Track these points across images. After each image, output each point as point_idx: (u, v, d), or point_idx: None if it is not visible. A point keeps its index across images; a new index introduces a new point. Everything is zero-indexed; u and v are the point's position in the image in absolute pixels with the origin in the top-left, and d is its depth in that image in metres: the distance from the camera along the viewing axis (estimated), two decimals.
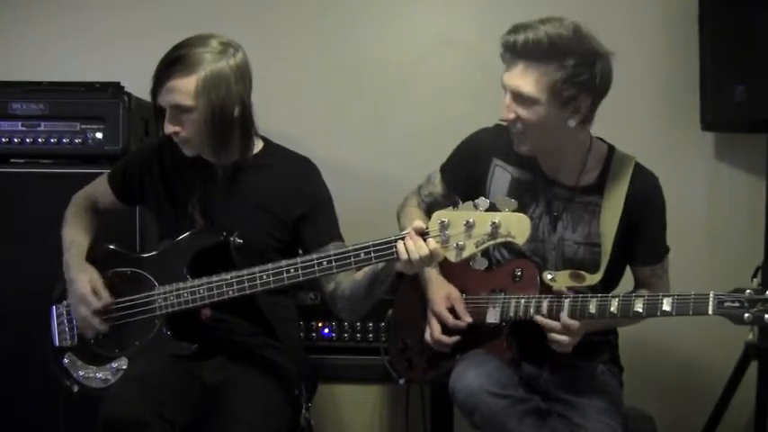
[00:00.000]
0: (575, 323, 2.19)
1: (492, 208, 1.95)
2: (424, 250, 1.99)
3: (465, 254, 1.97)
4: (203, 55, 2.22)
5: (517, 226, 1.93)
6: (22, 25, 3.39)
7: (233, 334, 2.36)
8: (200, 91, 2.21)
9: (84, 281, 2.31)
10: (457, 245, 1.97)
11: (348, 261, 2.08)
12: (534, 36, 2.17)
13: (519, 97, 2.22)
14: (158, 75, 2.23)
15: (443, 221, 1.98)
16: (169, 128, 2.25)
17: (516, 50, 2.19)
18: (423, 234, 2.00)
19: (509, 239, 1.94)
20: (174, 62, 2.21)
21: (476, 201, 1.97)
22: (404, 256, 2.01)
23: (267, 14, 3.35)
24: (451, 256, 1.98)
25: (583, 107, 2.23)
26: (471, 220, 1.95)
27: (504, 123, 2.31)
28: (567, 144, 2.32)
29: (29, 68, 3.29)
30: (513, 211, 1.94)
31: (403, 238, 2.02)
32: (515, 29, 2.22)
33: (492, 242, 1.95)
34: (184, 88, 2.21)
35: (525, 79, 2.20)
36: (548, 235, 2.38)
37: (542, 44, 2.16)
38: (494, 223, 1.93)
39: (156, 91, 2.24)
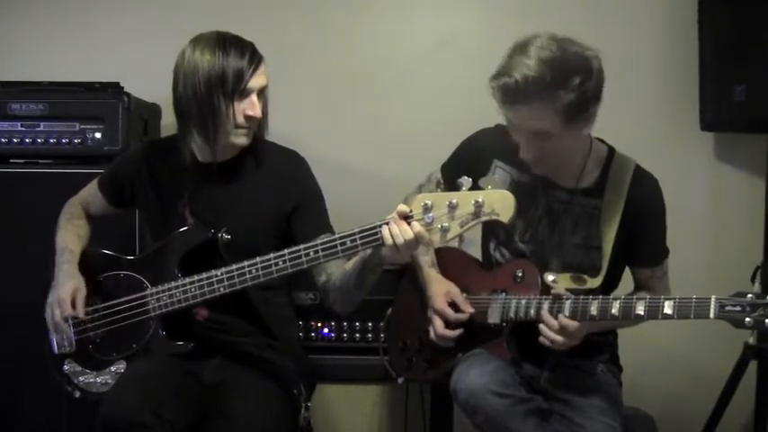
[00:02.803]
0: (573, 324, 2.19)
1: (475, 187, 1.94)
2: (409, 234, 1.98)
3: (450, 235, 1.95)
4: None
5: (501, 203, 1.91)
6: (22, 25, 3.39)
7: (231, 334, 2.37)
8: (271, 77, 2.33)
9: (69, 288, 2.32)
10: (441, 226, 1.95)
11: (335, 249, 2.08)
12: (533, 73, 2.08)
13: (537, 135, 2.18)
14: (248, 65, 2.27)
15: (426, 204, 1.96)
16: (258, 109, 2.30)
17: (519, 93, 2.10)
18: (406, 217, 1.99)
19: (493, 217, 1.91)
20: (255, 51, 2.30)
21: (459, 180, 1.95)
22: (389, 240, 2.00)
23: (267, 15, 3.34)
24: (436, 238, 1.96)
25: (594, 113, 2.20)
26: (454, 201, 1.93)
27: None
28: (575, 150, 2.31)
29: (29, 68, 3.29)
30: (497, 188, 1.92)
31: (388, 223, 2.01)
32: (506, 70, 2.12)
33: (476, 221, 1.92)
34: (265, 71, 2.32)
35: (540, 119, 2.14)
36: (547, 237, 2.38)
37: (544, 78, 2.08)
38: (477, 202, 1.91)
39: (243, 80, 2.26)
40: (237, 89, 2.26)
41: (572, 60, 2.12)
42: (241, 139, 2.33)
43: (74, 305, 2.31)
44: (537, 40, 2.14)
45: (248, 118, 2.29)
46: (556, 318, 2.20)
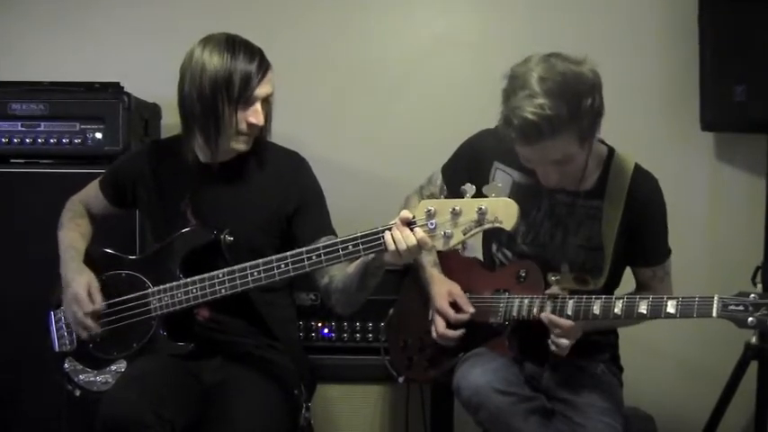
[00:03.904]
0: (568, 322, 2.20)
1: (479, 194, 1.93)
2: (411, 240, 1.97)
3: (452, 242, 1.94)
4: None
5: (504, 211, 1.90)
6: (22, 25, 3.39)
7: (232, 335, 2.37)
8: (275, 82, 2.32)
9: (82, 283, 2.32)
10: (444, 233, 1.94)
11: (337, 254, 2.07)
12: (549, 111, 2.06)
13: (558, 161, 2.19)
14: (257, 70, 2.25)
15: (430, 210, 1.96)
16: (261, 117, 2.29)
17: (541, 132, 2.08)
18: (409, 223, 1.99)
19: (496, 225, 1.91)
20: (264, 57, 2.29)
21: (462, 187, 1.94)
22: (391, 246, 1.99)
23: (267, 15, 3.34)
24: (439, 245, 1.96)
25: (601, 121, 2.21)
26: (458, 208, 1.93)
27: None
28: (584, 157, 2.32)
29: (29, 68, 3.29)
30: (500, 196, 1.92)
31: (390, 229, 2.01)
32: (517, 112, 2.08)
33: (479, 229, 1.92)
34: (272, 80, 2.31)
35: (562, 149, 2.14)
36: (550, 239, 2.38)
37: (561, 113, 2.07)
38: (480, 209, 1.91)
39: (250, 86, 2.25)
40: (243, 96, 2.25)
41: (576, 84, 2.11)
42: (240, 145, 2.32)
43: (91, 299, 2.31)
44: (533, 71, 2.11)
45: (250, 126, 2.29)
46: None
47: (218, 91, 2.23)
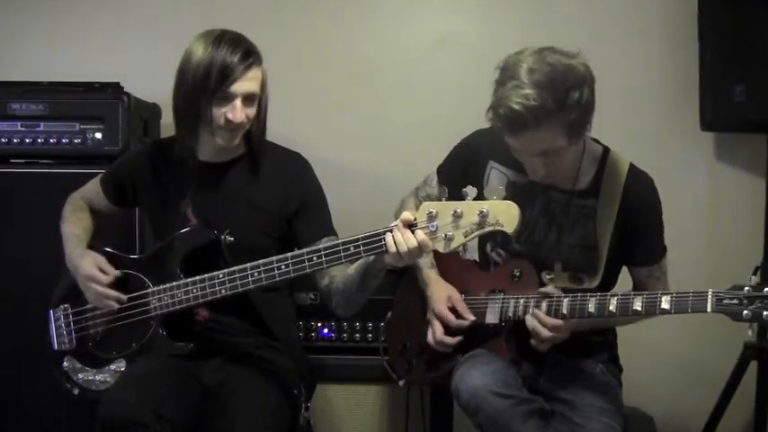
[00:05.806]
0: (558, 322, 2.20)
1: (480, 197, 1.94)
2: (412, 242, 1.97)
3: (453, 244, 1.95)
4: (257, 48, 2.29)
5: (505, 214, 1.91)
6: (21, 25, 3.39)
7: (232, 335, 2.37)
8: (265, 81, 2.30)
9: (89, 262, 2.32)
10: (445, 235, 1.95)
11: (338, 255, 2.07)
12: (533, 102, 2.06)
13: (544, 153, 2.19)
14: (237, 64, 2.21)
15: (431, 212, 1.96)
16: (241, 115, 2.24)
17: (525, 123, 2.09)
18: (411, 225, 1.99)
19: (497, 228, 1.91)
20: (250, 53, 2.25)
21: (464, 190, 1.96)
22: (392, 248, 1.99)
23: (267, 15, 3.35)
24: (440, 247, 1.96)
25: (592, 118, 2.20)
26: (459, 210, 1.93)
27: None
28: (575, 154, 2.31)
29: (29, 68, 3.29)
30: (502, 199, 1.93)
31: (391, 230, 2.01)
32: (503, 102, 2.10)
33: (480, 231, 1.92)
34: (257, 78, 2.27)
35: (547, 141, 2.14)
36: (544, 238, 2.38)
37: (546, 104, 2.07)
38: (481, 212, 1.91)
39: (228, 79, 2.21)
40: (219, 90, 2.21)
41: (565, 76, 2.10)
42: (221, 140, 2.30)
43: (103, 271, 2.31)
44: (523, 62, 2.12)
45: (228, 122, 2.25)
46: (555, 317, 2.21)
47: (199, 82, 2.21)
